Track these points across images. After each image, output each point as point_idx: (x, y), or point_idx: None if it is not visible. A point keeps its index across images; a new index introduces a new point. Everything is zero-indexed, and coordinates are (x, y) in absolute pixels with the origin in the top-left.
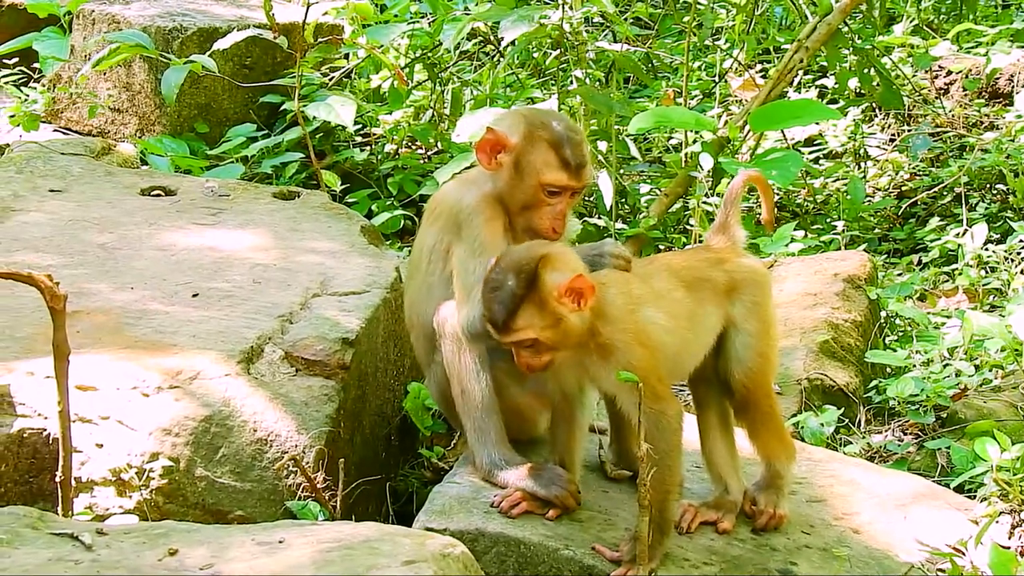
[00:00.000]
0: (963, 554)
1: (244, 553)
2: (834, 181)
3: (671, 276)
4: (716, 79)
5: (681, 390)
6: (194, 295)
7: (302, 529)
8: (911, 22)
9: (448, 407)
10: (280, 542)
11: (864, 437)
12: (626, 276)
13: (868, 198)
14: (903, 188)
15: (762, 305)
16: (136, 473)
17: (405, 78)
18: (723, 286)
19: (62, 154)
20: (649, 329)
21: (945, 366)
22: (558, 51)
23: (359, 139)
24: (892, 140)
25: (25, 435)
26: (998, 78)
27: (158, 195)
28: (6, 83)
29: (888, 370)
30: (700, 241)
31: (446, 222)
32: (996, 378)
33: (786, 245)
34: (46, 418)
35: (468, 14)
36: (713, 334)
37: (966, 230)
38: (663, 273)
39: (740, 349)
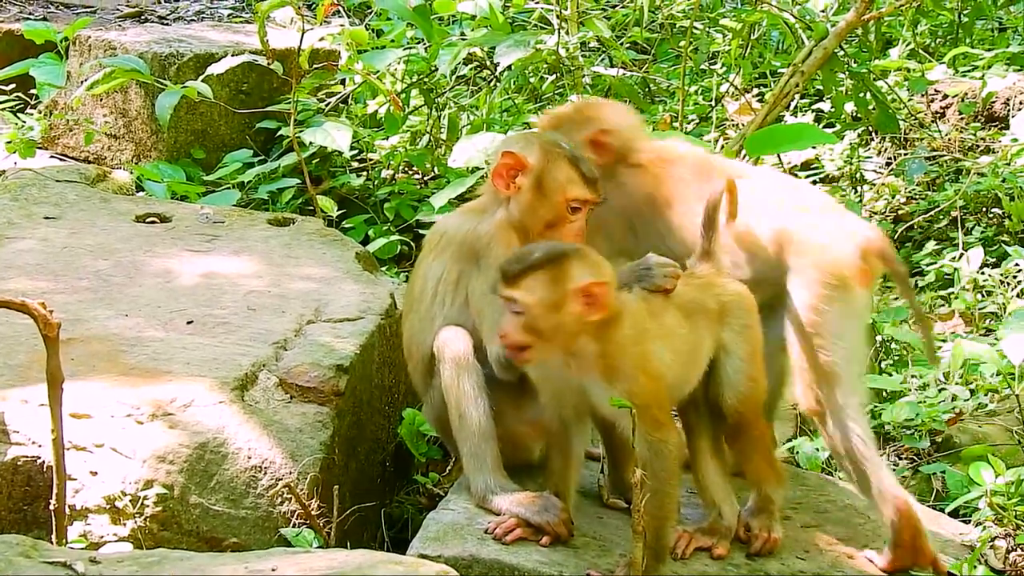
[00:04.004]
0: None
1: None
2: None
3: (676, 311)
4: (712, 103)
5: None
6: (188, 322)
7: (295, 556)
8: (907, 46)
9: (445, 433)
10: (273, 569)
11: None
12: (641, 309)
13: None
14: (899, 212)
15: (751, 328)
16: (130, 501)
17: (401, 103)
18: (714, 312)
19: (57, 181)
20: (654, 362)
21: (940, 391)
22: (554, 76)
23: (355, 164)
24: (888, 164)
25: (19, 463)
26: (994, 102)
27: (153, 222)
28: (2, 109)
29: (884, 395)
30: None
31: (457, 252)
32: (991, 402)
33: None
34: (40, 446)
35: (464, 39)
36: (707, 360)
37: (962, 254)
38: (671, 309)
39: (732, 374)
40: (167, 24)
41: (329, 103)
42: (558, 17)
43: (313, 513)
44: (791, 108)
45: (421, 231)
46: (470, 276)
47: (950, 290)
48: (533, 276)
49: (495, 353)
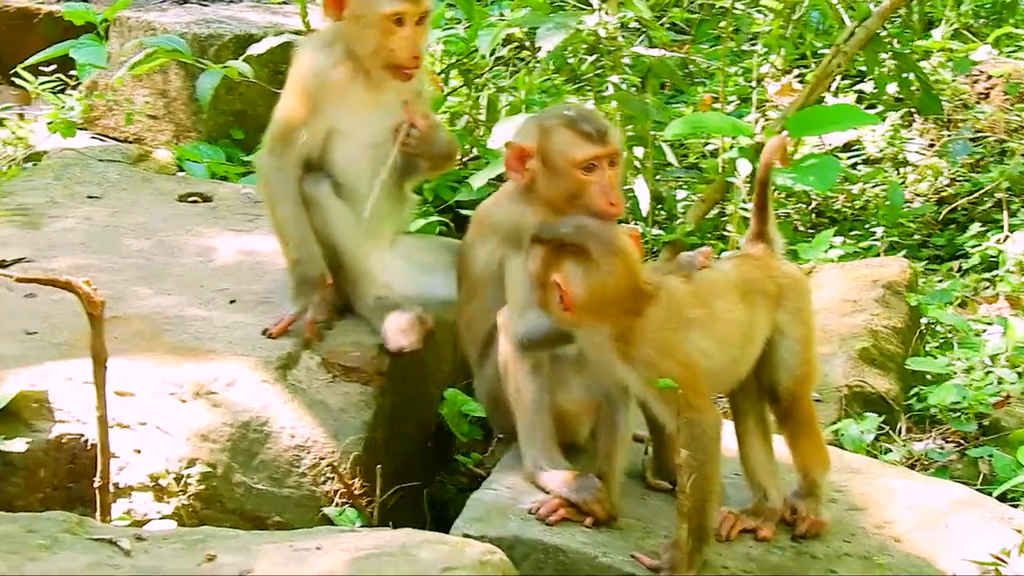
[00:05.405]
0: (1006, 563)
1: (281, 559)
2: (873, 187)
3: (733, 293)
4: (753, 84)
5: (719, 397)
6: (231, 301)
7: (339, 535)
8: (950, 26)
9: (495, 407)
10: (317, 548)
11: (905, 445)
12: (685, 295)
13: (907, 204)
14: (943, 194)
15: (805, 311)
16: (174, 479)
17: (440, 84)
18: (772, 294)
19: (99, 160)
20: (688, 351)
21: (987, 373)
22: (594, 56)
23: None
24: (931, 145)
25: (64, 441)
26: None
27: (195, 201)
28: (44, 90)
29: (929, 377)
30: (737, 247)
31: (505, 236)
32: None
33: (825, 251)
34: (84, 424)
35: (503, 19)
36: (762, 343)
37: (1007, 236)
38: (730, 293)
39: (787, 356)
40: (206, 5)
41: None
42: None
43: (356, 492)
44: (833, 89)
45: (461, 211)
46: (512, 257)
47: (995, 272)
48: (536, 246)
49: (523, 329)
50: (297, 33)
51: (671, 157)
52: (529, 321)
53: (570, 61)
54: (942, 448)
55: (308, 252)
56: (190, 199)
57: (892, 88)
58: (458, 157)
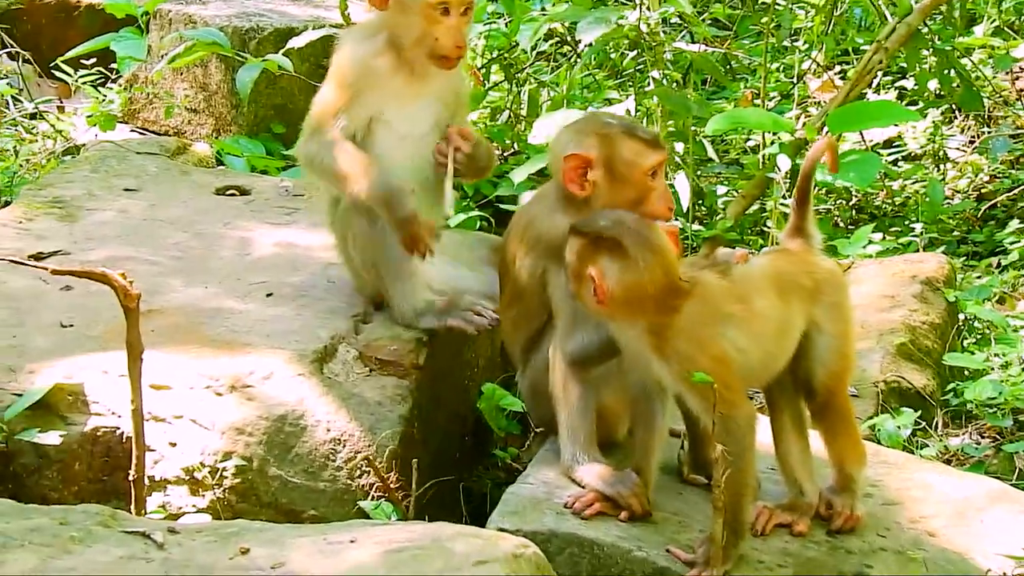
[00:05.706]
0: None
1: (314, 552)
2: (913, 183)
3: (770, 289)
4: (794, 80)
5: (755, 392)
6: (268, 295)
7: (373, 529)
8: (992, 23)
9: (537, 401)
10: (352, 542)
11: (941, 440)
12: (721, 291)
13: (947, 200)
14: (982, 190)
15: (842, 306)
16: (209, 472)
17: (481, 79)
18: (808, 289)
19: (137, 153)
20: (723, 346)
21: (1023, 369)
22: (635, 52)
23: None
24: (972, 142)
25: (99, 433)
26: None
27: (233, 195)
28: (84, 84)
29: (966, 373)
30: (776, 243)
31: (546, 250)
32: None
33: (864, 247)
34: (120, 416)
35: (545, 14)
36: (798, 338)
37: None
38: (766, 288)
39: (823, 351)
40: None
41: None
42: None
43: (392, 486)
44: (874, 85)
45: (501, 207)
46: (555, 273)
47: None
48: (573, 238)
49: (570, 349)
50: (337, 27)
51: (712, 153)
52: (578, 339)
53: (611, 56)
54: (978, 443)
55: (377, 170)
56: (228, 192)
57: (933, 85)
58: (496, 163)
